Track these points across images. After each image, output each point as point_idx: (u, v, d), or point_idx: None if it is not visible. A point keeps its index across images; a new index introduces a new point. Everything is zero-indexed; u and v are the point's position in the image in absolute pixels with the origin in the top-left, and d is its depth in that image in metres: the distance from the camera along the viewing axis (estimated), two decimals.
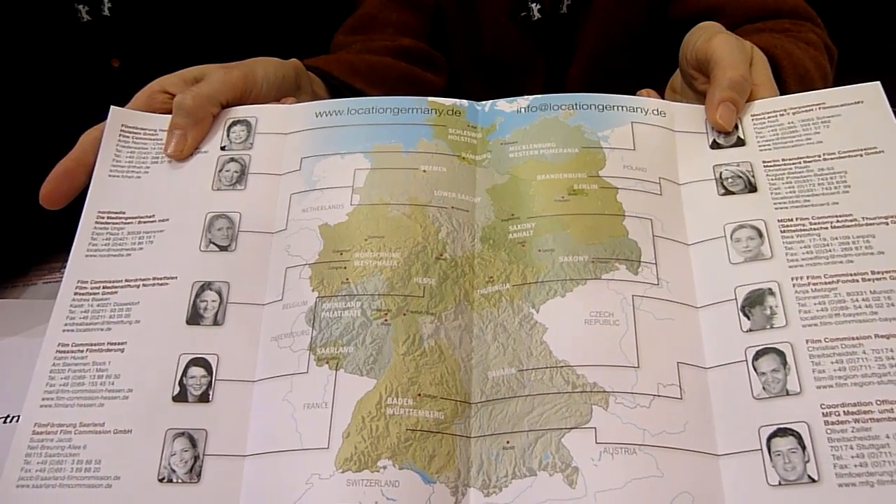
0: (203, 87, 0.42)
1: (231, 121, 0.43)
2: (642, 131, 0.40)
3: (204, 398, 0.35)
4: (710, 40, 0.42)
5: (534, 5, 0.64)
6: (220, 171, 0.41)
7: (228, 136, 0.42)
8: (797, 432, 0.31)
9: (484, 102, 0.43)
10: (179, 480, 0.33)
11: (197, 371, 0.36)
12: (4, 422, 0.40)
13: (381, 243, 0.37)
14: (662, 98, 0.45)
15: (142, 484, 0.33)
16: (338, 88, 0.53)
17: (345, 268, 0.37)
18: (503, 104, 0.42)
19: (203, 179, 0.41)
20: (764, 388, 0.32)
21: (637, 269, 0.36)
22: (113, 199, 0.40)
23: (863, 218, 0.35)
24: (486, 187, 0.40)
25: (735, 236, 0.36)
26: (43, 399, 0.35)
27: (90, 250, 0.39)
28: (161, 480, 0.33)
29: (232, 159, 0.41)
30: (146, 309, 0.37)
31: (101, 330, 0.37)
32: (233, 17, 0.64)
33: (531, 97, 0.42)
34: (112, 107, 0.43)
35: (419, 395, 0.34)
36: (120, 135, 0.42)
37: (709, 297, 0.35)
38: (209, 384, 0.35)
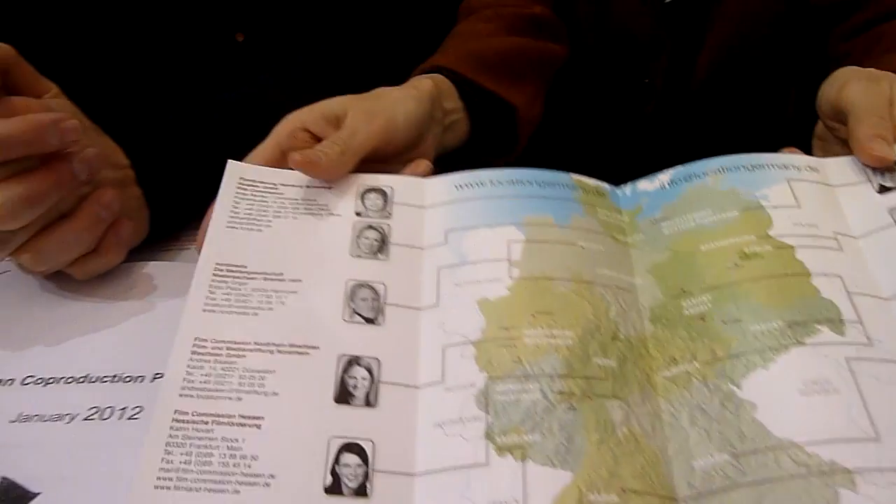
0: (351, 143, 0.40)
1: (365, 188, 0.39)
2: (801, 188, 0.37)
3: (361, 492, 0.29)
4: (842, 91, 0.40)
5: None
6: (359, 237, 0.37)
7: (363, 202, 0.39)
8: None
9: (623, 186, 0.40)
10: None
11: (351, 459, 0.30)
12: (153, 380, 0.36)
13: (552, 320, 0.33)
14: (809, 145, 0.42)
15: None
16: (464, 84, 0.50)
17: (515, 346, 0.32)
18: (644, 184, 0.40)
19: (339, 243, 0.36)
20: None
21: (842, 329, 0.31)
22: (232, 252, 0.35)
23: None
24: (647, 267, 0.36)
25: None
26: (159, 478, 0.28)
27: (208, 305, 0.33)
28: None
29: (370, 227, 0.38)
30: (284, 380, 0.31)
31: (230, 399, 0.30)
32: None
33: (671, 171, 0.39)
34: (229, 161, 0.39)
35: (623, 489, 0.29)
36: (238, 187, 0.38)
37: None
38: (365, 475, 0.29)
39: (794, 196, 0.36)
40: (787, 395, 0.30)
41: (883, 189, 0.37)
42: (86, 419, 0.35)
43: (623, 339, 0.33)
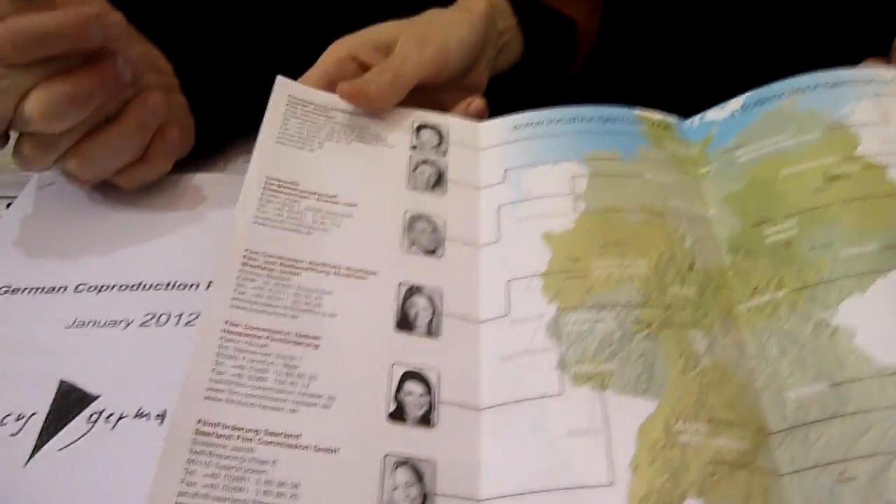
0: (402, 71, 0.38)
1: (420, 123, 0.37)
2: (889, 103, 0.34)
3: (426, 421, 0.27)
4: None
5: None
6: (415, 170, 0.35)
7: (418, 137, 0.37)
8: None
9: (691, 119, 0.38)
10: None
11: (415, 387, 0.28)
12: (208, 286, 0.35)
13: (623, 250, 0.31)
14: (888, 60, 0.40)
15: None
16: (523, 4, 0.47)
17: (585, 277, 0.30)
18: (713, 114, 0.37)
19: (395, 174, 0.35)
20: None
21: None
22: (283, 167, 0.34)
23: None
24: (721, 198, 0.34)
25: None
26: (209, 390, 0.26)
27: (259, 218, 0.32)
28: None
29: (426, 161, 0.36)
30: (342, 302, 0.30)
31: (285, 316, 0.29)
32: None
33: (742, 97, 0.37)
34: (278, 77, 0.38)
35: (711, 419, 0.26)
36: (287, 104, 0.37)
37: None
38: (430, 405, 0.28)
39: (881, 111, 0.33)
40: (889, 320, 0.27)
41: None
42: (142, 325, 0.34)
43: (700, 269, 0.31)
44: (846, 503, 0.24)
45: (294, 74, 0.41)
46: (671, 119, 0.38)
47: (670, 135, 0.37)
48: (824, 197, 0.31)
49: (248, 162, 0.44)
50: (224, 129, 0.46)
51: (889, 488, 0.24)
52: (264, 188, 0.33)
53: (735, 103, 0.37)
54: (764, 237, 0.31)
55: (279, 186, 0.33)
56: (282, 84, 0.38)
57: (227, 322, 0.28)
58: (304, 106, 0.37)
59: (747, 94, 0.37)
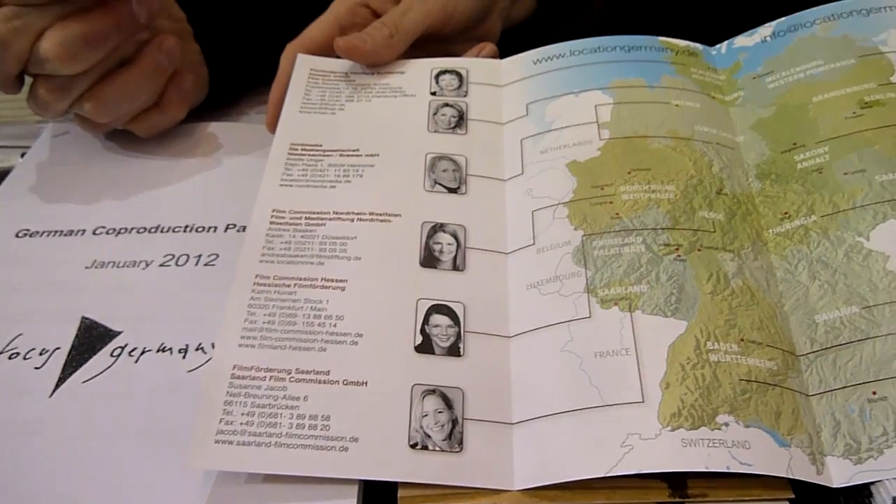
0: (402, 24, 0.38)
1: (439, 69, 0.38)
2: None
3: (454, 352, 0.28)
4: None
5: None
6: (435, 114, 0.35)
7: (438, 82, 0.37)
8: None
9: (718, 45, 0.38)
10: (437, 448, 0.25)
11: (441, 320, 0.28)
12: (226, 230, 0.37)
13: (650, 175, 0.31)
14: None
15: (388, 450, 0.25)
16: None
17: (611, 202, 0.30)
18: (742, 39, 0.37)
19: (415, 120, 0.35)
20: None
21: None
22: (306, 133, 0.35)
23: None
24: (750, 124, 0.33)
25: None
26: (243, 338, 0.28)
27: (285, 180, 0.33)
28: (413, 447, 0.25)
29: (447, 104, 0.36)
30: (366, 245, 0.30)
31: (312, 264, 0.30)
32: None
33: (773, 23, 0.36)
34: (299, 55, 0.38)
35: (742, 340, 0.27)
36: (309, 77, 0.38)
37: None
38: (458, 336, 0.28)
39: None
40: None
41: None
42: (161, 265, 0.35)
43: (729, 194, 0.31)
44: (877, 421, 0.24)
45: (307, 22, 0.41)
46: (698, 46, 0.37)
47: (697, 62, 0.36)
48: (858, 123, 0.31)
49: (262, 114, 0.44)
50: (237, 80, 0.46)
51: None
52: (289, 154, 0.34)
53: (765, 30, 0.36)
54: (794, 163, 0.31)
55: (303, 150, 0.34)
56: (303, 60, 0.39)
57: (257, 276, 0.30)
58: (325, 76, 0.38)
59: (778, 21, 0.36)
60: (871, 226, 0.28)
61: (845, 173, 0.30)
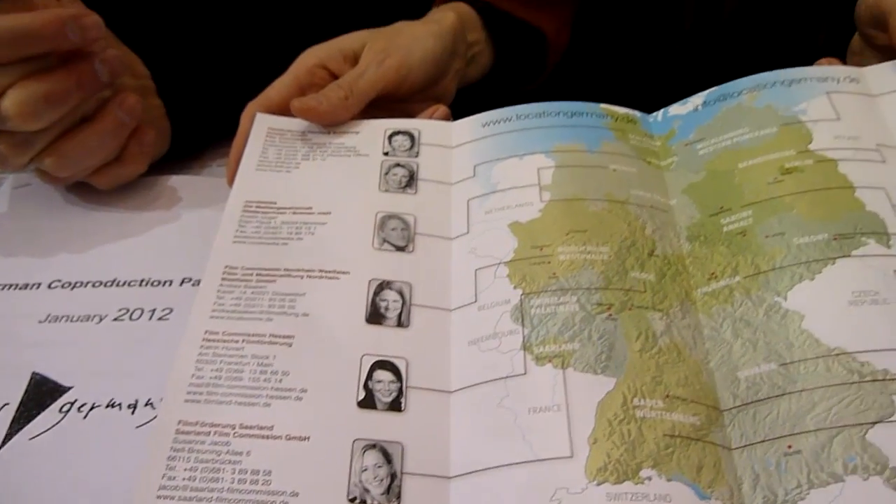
0: (357, 86, 0.40)
1: (392, 130, 0.40)
2: (841, 100, 0.36)
3: (395, 407, 0.29)
4: None
5: None
6: (387, 174, 0.37)
7: (390, 143, 0.39)
8: None
9: (655, 113, 0.41)
10: (375, 502, 0.26)
11: (384, 375, 0.30)
12: (181, 284, 0.38)
13: (586, 237, 0.33)
14: (843, 62, 0.43)
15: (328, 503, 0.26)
16: (490, 12, 0.50)
17: (549, 263, 0.32)
18: (676, 108, 0.40)
19: (367, 180, 0.37)
20: None
21: (888, 241, 0.31)
22: (261, 190, 0.37)
23: None
24: (682, 188, 0.36)
25: None
26: (189, 393, 0.29)
27: (238, 237, 0.34)
28: (352, 501, 0.26)
29: (398, 164, 0.38)
30: (315, 302, 0.32)
31: (261, 320, 0.31)
32: None
33: (704, 93, 0.39)
34: (258, 114, 0.40)
35: (668, 396, 0.28)
36: (267, 136, 0.39)
37: None
38: (399, 391, 0.30)
39: (833, 109, 0.36)
40: (837, 305, 0.29)
41: None
42: (115, 319, 0.36)
43: (660, 255, 0.33)
44: (792, 473, 0.26)
45: (268, 81, 0.43)
46: (636, 114, 0.40)
47: (635, 128, 0.39)
48: (779, 188, 0.34)
49: (224, 166, 0.46)
50: (199, 134, 0.48)
51: (831, 461, 0.26)
52: (243, 210, 0.36)
53: (697, 99, 0.39)
54: (721, 226, 0.34)
55: (258, 207, 0.36)
56: (261, 118, 0.40)
57: (206, 331, 0.31)
58: (283, 134, 0.40)
59: (709, 91, 0.39)
60: (788, 286, 0.31)
61: (766, 236, 0.32)
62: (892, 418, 0.26)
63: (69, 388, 0.33)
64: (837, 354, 0.28)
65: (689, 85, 0.41)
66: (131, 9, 0.50)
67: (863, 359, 0.28)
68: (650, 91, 0.46)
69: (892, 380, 0.27)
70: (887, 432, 0.26)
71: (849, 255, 0.31)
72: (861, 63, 0.43)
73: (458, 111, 0.43)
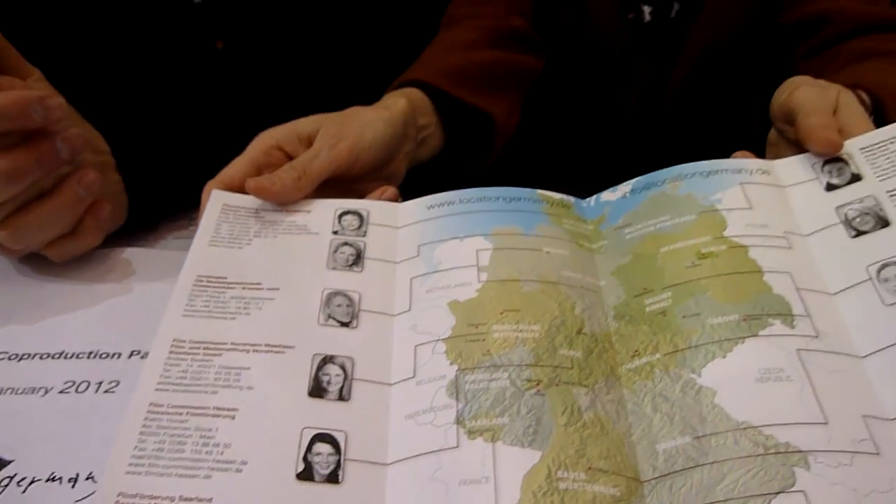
0: (310, 168, 0.43)
1: (342, 210, 0.42)
2: (753, 190, 0.40)
3: (333, 478, 0.30)
4: (793, 93, 0.44)
5: (645, 8, 0.65)
6: (335, 252, 0.40)
7: (340, 222, 0.42)
8: None
9: (588, 198, 0.44)
10: None
11: (324, 448, 0.31)
12: (130, 356, 0.39)
13: (519, 316, 0.36)
14: (763, 151, 0.46)
15: None
16: (441, 97, 0.53)
17: (484, 340, 0.35)
18: (607, 195, 0.43)
19: (316, 258, 0.39)
20: None
21: (792, 322, 0.34)
22: (213, 266, 0.38)
23: None
24: (610, 270, 0.39)
25: (882, 276, 0.35)
26: (131, 464, 0.30)
27: (188, 311, 0.36)
28: None
29: (346, 243, 0.40)
30: (259, 376, 0.33)
31: (206, 393, 0.32)
32: (333, 1, 0.64)
33: (633, 181, 0.43)
34: (214, 190, 0.42)
35: (590, 468, 0.30)
36: (221, 212, 0.41)
37: (871, 344, 0.33)
38: (338, 463, 0.31)
39: (746, 198, 0.40)
40: (745, 381, 0.32)
41: (830, 187, 0.40)
42: (61, 392, 0.37)
43: (588, 333, 0.35)
44: None
45: (226, 157, 0.45)
46: (570, 199, 0.43)
47: (568, 213, 0.42)
48: (696, 272, 0.37)
49: (179, 239, 0.48)
50: (157, 207, 0.50)
51: None
52: (194, 285, 0.37)
53: (626, 187, 0.43)
54: (644, 306, 0.37)
55: (209, 282, 0.38)
56: (217, 195, 0.43)
57: (151, 404, 0.32)
58: (237, 211, 0.42)
59: (637, 179, 0.43)
60: (702, 364, 0.33)
61: (684, 316, 0.35)
62: (792, 488, 0.29)
63: (10, 462, 0.33)
64: (745, 428, 0.31)
65: (630, 170, 0.45)
66: (93, 85, 0.53)
67: (767, 432, 0.30)
68: (593, 174, 0.50)
69: (793, 452, 0.30)
70: (788, 501, 0.28)
71: (756, 335, 0.34)
72: (777, 153, 0.48)
73: (410, 188, 0.46)
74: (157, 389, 0.32)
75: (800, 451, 0.30)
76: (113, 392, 0.37)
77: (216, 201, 0.42)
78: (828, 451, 0.30)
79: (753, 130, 0.71)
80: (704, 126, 0.72)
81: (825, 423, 0.30)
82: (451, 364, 0.34)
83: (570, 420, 0.31)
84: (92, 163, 0.45)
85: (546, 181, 0.46)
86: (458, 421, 0.32)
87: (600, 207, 0.43)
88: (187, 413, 0.32)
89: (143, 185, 0.48)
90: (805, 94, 0.44)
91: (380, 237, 0.41)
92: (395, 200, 0.45)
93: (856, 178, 0.40)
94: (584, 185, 0.46)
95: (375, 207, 0.43)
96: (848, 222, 0.38)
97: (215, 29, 0.63)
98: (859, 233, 0.38)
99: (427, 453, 0.31)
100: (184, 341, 0.35)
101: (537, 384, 0.33)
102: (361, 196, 0.45)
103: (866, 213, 0.38)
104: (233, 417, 0.32)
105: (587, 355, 0.34)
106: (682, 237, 0.39)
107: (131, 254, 0.47)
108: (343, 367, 0.34)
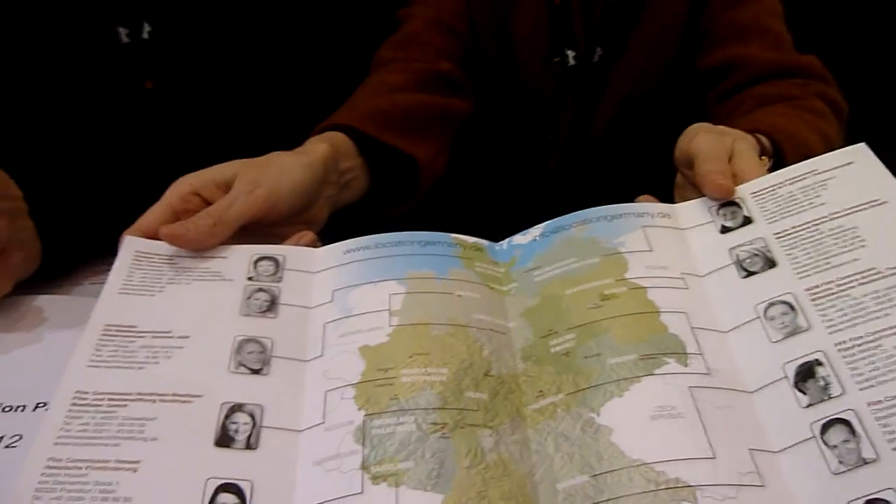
0: (226, 215, 0.43)
1: (257, 256, 0.43)
2: (654, 233, 0.43)
3: None
4: (693, 140, 0.48)
5: (569, 52, 0.68)
6: (249, 298, 0.40)
7: (255, 268, 0.42)
8: (888, 501, 0.31)
9: (501, 242, 0.46)
10: None
11: (228, 498, 0.31)
12: (35, 409, 0.39)
13: (428, 360, 0.37)
14: (671, 192, 0.49)
15: None
16: (365, 141, 0.54)
17: (392, 384, 0.35)
18: (518, 238, 0.45)
19: (229, 304, 0.40)
20: (840, 462, 0.32)
21: (686, 361, 0.36)
22: (123, 314, 0.38)
23: (887, 269, 0.37)
24: (520, 312, 0.41)
25: (769, 314, 0.38)
26: None
27: (93, 361, 0.36)
28: None
29: (261, 289, 0.41)
30: (165, 426, 0.33)
31: (107, 445, 0.32)
32: (266, 42, 0.64)
33: (543, 225, 0.45)
34: (126, 237, 0.43)
35: None
36: (133, 259, 0.42)
37: (759, 380, 0.36)
38: None
39: (647, 241, 0.42)
40: (639, 419, 0.34)
41: (724, 229, 0.43)
42: None
43: (495, 375, 0.37)
44: None
45: (145, 201, 0.46)
46: (483, 243, 0.45)
47: (481, 256, 0.44)
48: (598, 313, 0.39)
49: (96, 284, 0.47)
50: (71, 253, 0.49)
51: None
52: (102, 334, 0.37)
53: (536, 230, 0.45)
54: (549, 347, 0.38)
55: (117, 331, 0.38)
56: (129, 242, 0.43)
57: (49, 459, 0.32)
58: (150, 258, 0.42)
59: (546, 223, 0.45)
60: (601, 403, 0.35)
61: (586, 357, 0.37)
62: None
63: None
64: (638, 465, 0.32)
65: (554, 212, 0.47)
66: (8, 127, 0.52)
67: (659, 468, 0.32)
68: (518, 216, 0.52)
69: (682, 487, 0.31)
70: None
71: (652, 374, 0.36)
72: (683, 196, 0.51)
73: (334, 231, 0.47)
74: (56, 444, 0.32)
75: (688, 486, 0.31)
76: (15, 447, 0.37)
77: (128, 248, 0.42)
78: (714, 484, 0.32)
79: (673, 173, 0.76)
80: (627, 168, 0.76)
81: (713, 458, 0.32)
82: (360, 409, 0.35)
83: (472, 462, 0.33)
84: (3, 209, 0.45)
85: (470, 223, 0.48)
86: (364, 466, 0.32)
87: (512, 250, 0.45)
88: (87, 467, 0.32)
89: (58, 231, 0.48)
90: (703, 141, 0.47)
91: (295, 283, 0.42)
92: (314, 245, 0.46)
93: (747, 220, 0.43)
94: (510, 226, 0.48)
95: (291, 253, 0.44)
96: (739, 263, 0.41)
97: (145, 69, 0.63)
98: (749, 273, 0.40)
99: (332, 500, 0.32)
100: (87, 393, 0.35)
101: (443, 427, 0.34)
102: (281, 240, 0.46)
103: (756, 255, 0.41)
104: (135, 470, 0.32)
105: (493, 397, 0.36)
106: (587, 279, 0.41)
107: (43, 301, 0.47)
108: (252, 415, 0.35)
